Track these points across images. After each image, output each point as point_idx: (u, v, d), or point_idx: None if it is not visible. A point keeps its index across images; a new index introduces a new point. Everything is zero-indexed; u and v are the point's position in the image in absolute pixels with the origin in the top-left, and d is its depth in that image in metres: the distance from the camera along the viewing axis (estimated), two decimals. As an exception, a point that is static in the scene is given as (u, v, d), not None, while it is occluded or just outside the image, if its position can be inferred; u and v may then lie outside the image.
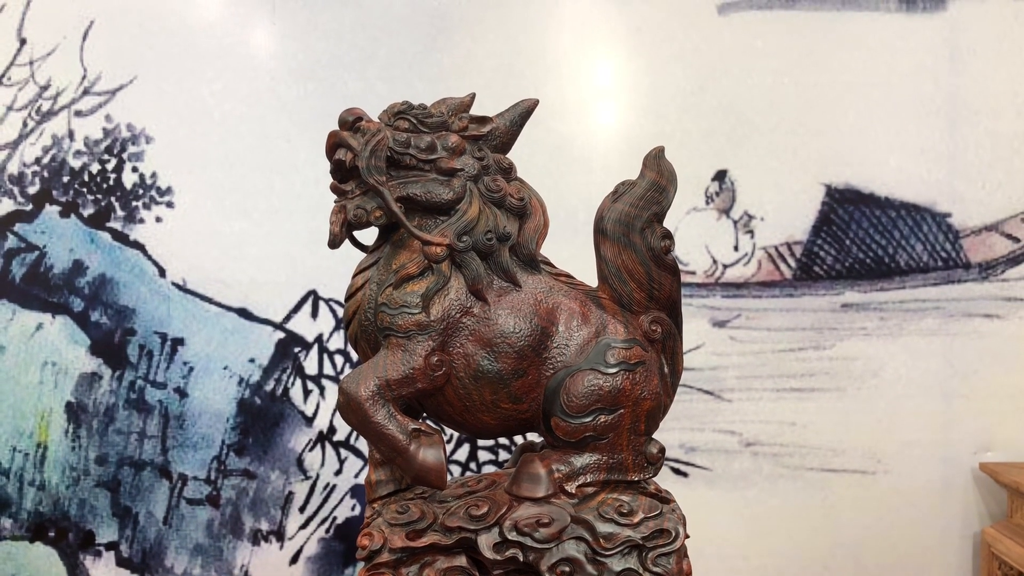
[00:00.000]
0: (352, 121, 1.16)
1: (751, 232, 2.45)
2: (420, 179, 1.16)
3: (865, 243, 2.45)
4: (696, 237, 2.46)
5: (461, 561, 1.15)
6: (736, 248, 2.46)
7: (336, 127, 1.18)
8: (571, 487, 1.17)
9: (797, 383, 2.47)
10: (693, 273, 2.44)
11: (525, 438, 1.70)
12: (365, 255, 1.24)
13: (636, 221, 1.21)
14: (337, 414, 2.45)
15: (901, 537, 2.46)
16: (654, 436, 1.22)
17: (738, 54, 2.44)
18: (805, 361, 2.47)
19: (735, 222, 2.45)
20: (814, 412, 2.46)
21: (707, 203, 2.45)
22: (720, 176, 2.45)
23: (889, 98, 2.42)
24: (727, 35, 2.44)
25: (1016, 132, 2.41)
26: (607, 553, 1.12)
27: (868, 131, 2.44)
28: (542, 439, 1.29)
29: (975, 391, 2.44)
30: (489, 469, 2.45)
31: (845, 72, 2.43)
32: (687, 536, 1.16)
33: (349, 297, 1.20)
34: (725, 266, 2.46)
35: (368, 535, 1.15)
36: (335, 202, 1.17)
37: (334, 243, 1.17)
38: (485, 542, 1.13)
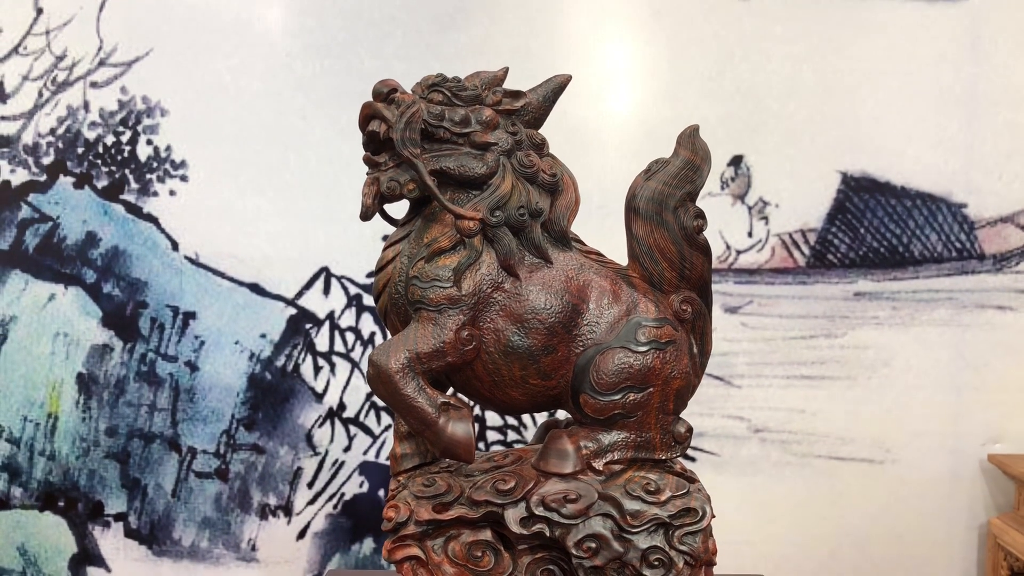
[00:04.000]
0: (386, 93, 1.15)
1: (766, 218, 2.45)
2: (453, 152, 1.15)
3: (880, 232, 2.44)
4: (710, 222, 2.42)
5: (487, 535, 1.16)
6: (750, 234, 2.46)
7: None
8: (598, 464, 1.17)
9: (807, 371, 2.47)
10: (706, 258, 2.44)
11: (548, 415, 1.71)
12: (396, 228, 1.23)
13: (669, 200, 1.21)
14: (347, 391, 2.45)
15: (908, 526, 2.47)
16: (681, 416, 1.23)
17: (757, 39, 2.43)
18: (816, 349, 2.47)
19: (750, 208, 2.45)
20: (824, 400, 2.47)
21: (722, 188, 2.45)
22: (736, 162, 2.44)
23: (908, 87, 2.42)
24: (747, 20, 2.43)
25: (1035, 124, 2.41)
26: (634, 530, 1.13)
27: (885, 119, 2.43)
28: (566, 416, 1.29)
29: (985, 383, 2.44)
30: (497, 448, 2.46)
31: (864, 59, 2.42)
32: (713, 515, 1.16)
33: (379, 270, 1.20)
34: (739, 252, 2.46)
35: (394, 507, 1.16)
36: (367, 174, 1.17)
37: (366, 215, 1.16)
38: (512, 516, 1.13)
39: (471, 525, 1.16)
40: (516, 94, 1.20)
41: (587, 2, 2.44)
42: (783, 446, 2.48)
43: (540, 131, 1.25)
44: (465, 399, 1.24)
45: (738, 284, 2.46)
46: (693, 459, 2.47)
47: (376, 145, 1.16)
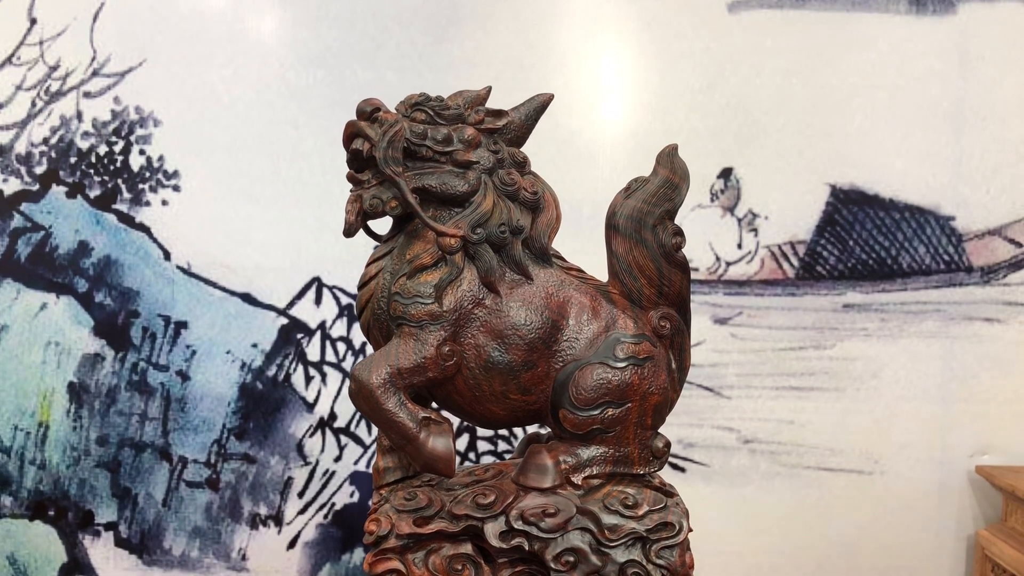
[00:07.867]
0: (370, 111, 1.16)
1: (755, 230, 2.46)
2: (436, 171, 1.17)
3: (868, 244, 2.46)
4: (700, 234, 2.46)
5: (467, 549, 1.17)
6: (739, 246, 2.47)
7: (345, 115, 1.19)
8: (577, 478, 1.18)
9: (797, 382, 2.48)
10: (696, 270, 2.45)
11: (526, 430, 1.71)
12: (379, 244, 1.25)
13: (648, 218, 1.22)
14: (338, 401, 2.46)
15: (896, 537, 2.47)
16: (659, 430, 1.24)
17: (747, 53, 2.44)
18: (805, 360, 2.48)
19: (739, 220, 2.46)
20: (812, 411, 2.48)
21: (712, 200, 2.46)
22: (726, 174, 2.46)
23: (896, 100, 2.43)
24: (737, 33, 2.44)
25: (1022, 138, 2.42)
26: (611, 544, 1.14)
27: (874, 133, 2.44)
28: (548, 430, 1.30)
29: (973, 394, 2.45)
30: (487, 459, 2.47)
31: (853, 73, 2.44)
32: (690, 530, 1.17)
33: (362, 286, 1.21)
34: (728, 263, 2.47)
35: (376, 521, 1.17)
36: (351, 191, 1.18)
37: (349, 232, 1.18)
38: (491, 530, 1.14)
39: (451, 539, 1.17)
40: (498, 113, 1.22)
41: (579, 15, 2.46)
42: (772, 457, 2.49)
43: (525, 147, 1.26)
44: (446, 414, 1.25)
45: (727, 295, 2.48)
46: (683, 470, 2.47)
47: (360, 163, 1.17)
